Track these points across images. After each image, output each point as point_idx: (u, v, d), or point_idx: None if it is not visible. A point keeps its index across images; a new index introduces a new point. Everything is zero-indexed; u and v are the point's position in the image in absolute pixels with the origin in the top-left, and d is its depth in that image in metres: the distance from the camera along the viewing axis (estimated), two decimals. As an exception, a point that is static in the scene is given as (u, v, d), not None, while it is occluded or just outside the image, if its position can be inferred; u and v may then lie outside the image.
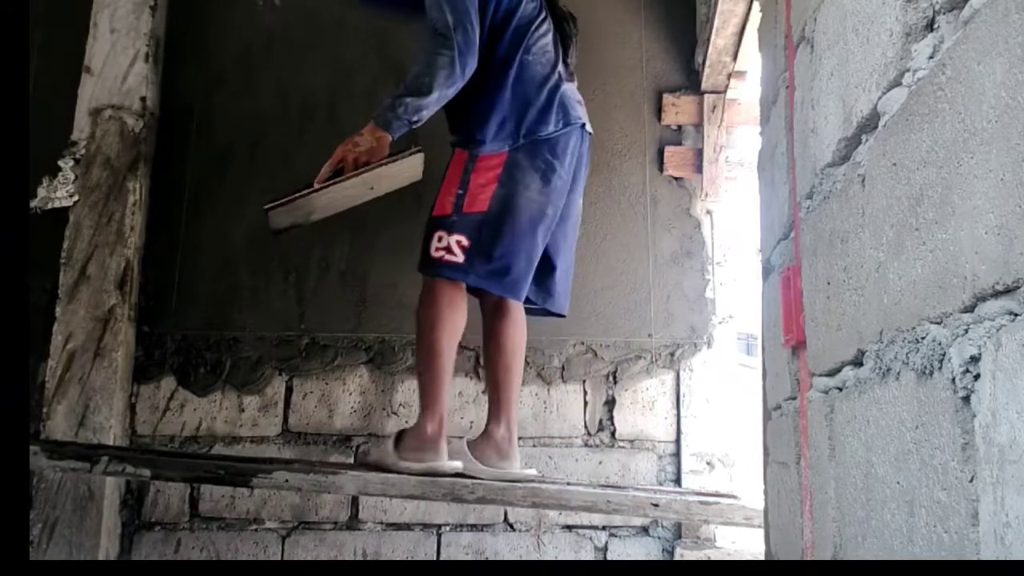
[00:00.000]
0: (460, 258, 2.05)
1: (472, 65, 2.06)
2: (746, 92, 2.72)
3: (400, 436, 2.10)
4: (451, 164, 2.14)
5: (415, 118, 2.03)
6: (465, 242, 2.06)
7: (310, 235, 2.72)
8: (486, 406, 2.64)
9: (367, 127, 2.05)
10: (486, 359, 2.27)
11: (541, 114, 2.14)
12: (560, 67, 2.23)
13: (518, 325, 2.19)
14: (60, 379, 2.46)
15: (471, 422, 2.63)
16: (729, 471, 2.59)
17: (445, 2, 2.04)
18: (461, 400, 2.66)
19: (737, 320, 2.72)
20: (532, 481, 2.14)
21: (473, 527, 2.60)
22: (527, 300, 2.20)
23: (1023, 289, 0.55)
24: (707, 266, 2.71)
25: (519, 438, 2.63)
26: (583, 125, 2.20)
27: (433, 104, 2.04)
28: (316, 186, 2.04)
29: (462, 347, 2.65)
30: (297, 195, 2.05)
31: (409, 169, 2.13)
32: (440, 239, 2.06)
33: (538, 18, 2.22)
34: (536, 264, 2.14)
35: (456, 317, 2.10)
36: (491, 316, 2.22)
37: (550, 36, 2.24)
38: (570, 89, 2.23)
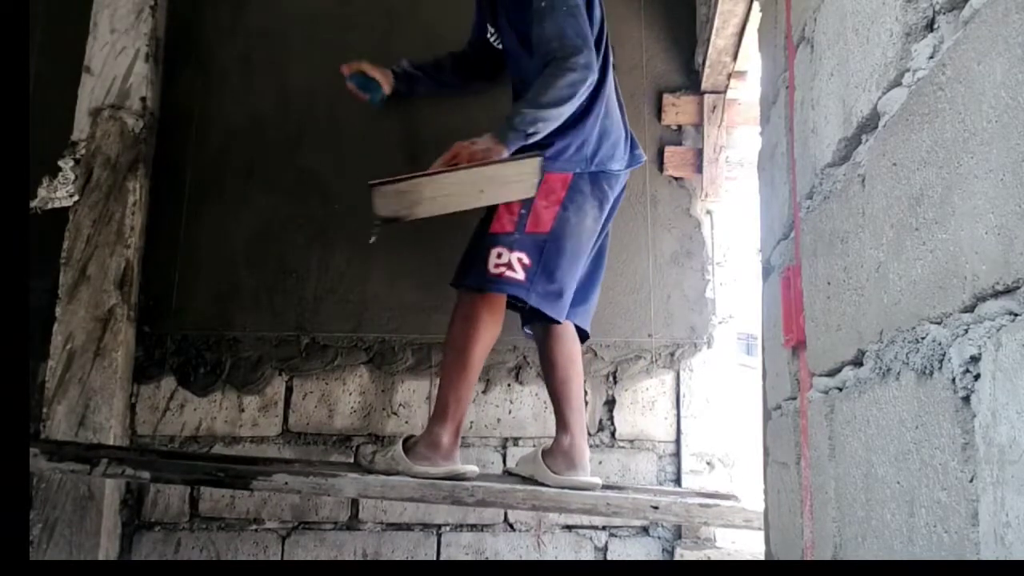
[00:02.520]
0: (521, 276, 2.06)
1: (592, 84, 2.07)
2: (746, 92, 2.71)
3: (410, 443, 2.10)
4: None
5: (531, 130, 2.01)
6: (527, 260, 2.07)
7: (310, 235, 2.72)
8: (485, 406, 2.66)
9: (485, 136, 2.03)
10: (544, 375, 2.31)
11: (615, 148, 2.19)
12: (622, 100, 2.29)
13: (566, 339, 2.22)
14: (60, 379, 2.46)
15: (471, 422, 2.63)
16: (729, 471, 2.59)
17: (566, 25, 2.03)
18: (461, 400, 2.66)
19: (737, 320, 2.72)
20: (611, 487, 2.21)
21: (473, 527, 2.60)
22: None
23: (1023, 289, 0.55)
24: (707, 266, 2.70)
25: (519, 438, 2.65)
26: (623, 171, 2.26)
27: (552, 120, 2.02)
28: (427, 172, 2.02)
29: (462, 347, 2.67)
30: (405, 177, 2.02)
31: (520, 177, 2.06)
32: (500, 255, 2.07)
33: (610, 49, 2.27)
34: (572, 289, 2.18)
35: (495, 332, 2.13)
36: (541, 336, 2.26)
37: (612, 71, 2.29)
38: (619, 128, 2.27)
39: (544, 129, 2.03)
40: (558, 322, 2.15)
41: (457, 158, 2.03)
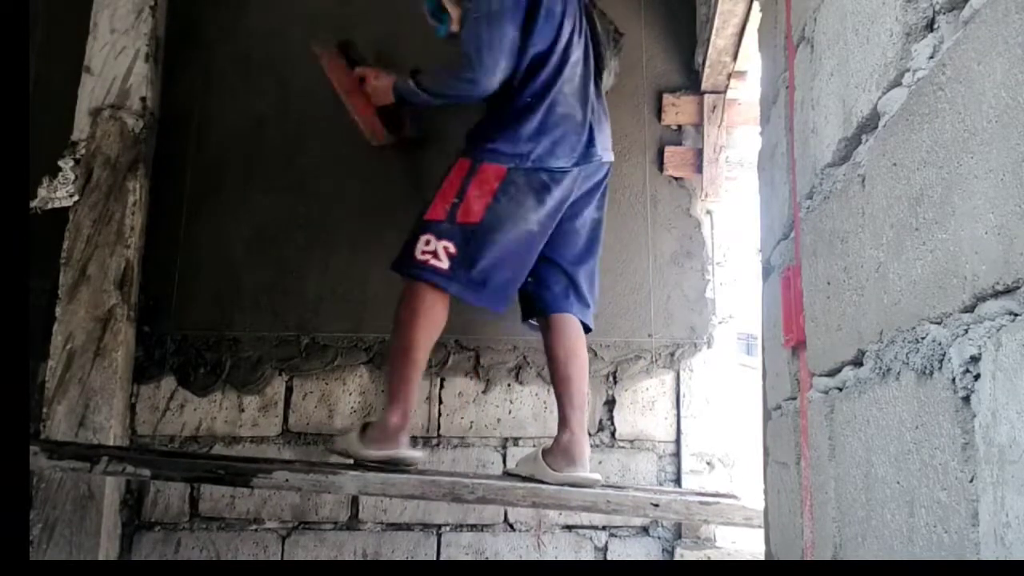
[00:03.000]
0: (445, 264, 2.11)
1: (485, 90, 2.16)
2: (746, 92, 2.71)
3: (365, 427, 2.16)
4: (452, 171, 2.19)
5: (418, 98, 2.28)
6: (452, 249, 2.11)
7: (310, 235, 2.72)
8: (485, 406, 2.66)
9: (392, 76, 2.32)
10: (549, 371, 2.34)
11: (558, 146, 2.19)
12: (591, 96, 2.27)
13: (566, 334, 2.23)
14: (60, 379, 2.46)
15: (471, 422, 2.63)
16: (729, 471, 2.59)
17: (471, 35, 2.14)
18: (461, 400, 2.66)
19: (737, 320, 2.72)
20: (611, 486, 2.24)
21: (473, 527, 2.60)
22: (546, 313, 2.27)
23: (1023, 289, 0.55)
24: (707, 266, 2.70)
25: (519, 438, 2.64)
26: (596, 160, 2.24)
27: (424, 100, 2.28)
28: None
29: (462, 347, 2.67)
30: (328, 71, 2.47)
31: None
32: (428, 242, 2.11)
33: (574, 44, 2.26)
34: (523, 279, 2.19)
35: (435, 318, 2.15)
36: (543, 332, 2.29)
37: (580, 67, 2.27)
38: (597, 123, 2.27)
39: (420, 102, 2.30)
40: (494, 310, 2.17)
41: (365, 79, 2.38)
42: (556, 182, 2.18)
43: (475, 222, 2.12)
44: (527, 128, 2.17)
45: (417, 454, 2.13)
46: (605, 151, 2.28)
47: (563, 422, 2.20)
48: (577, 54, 2.26)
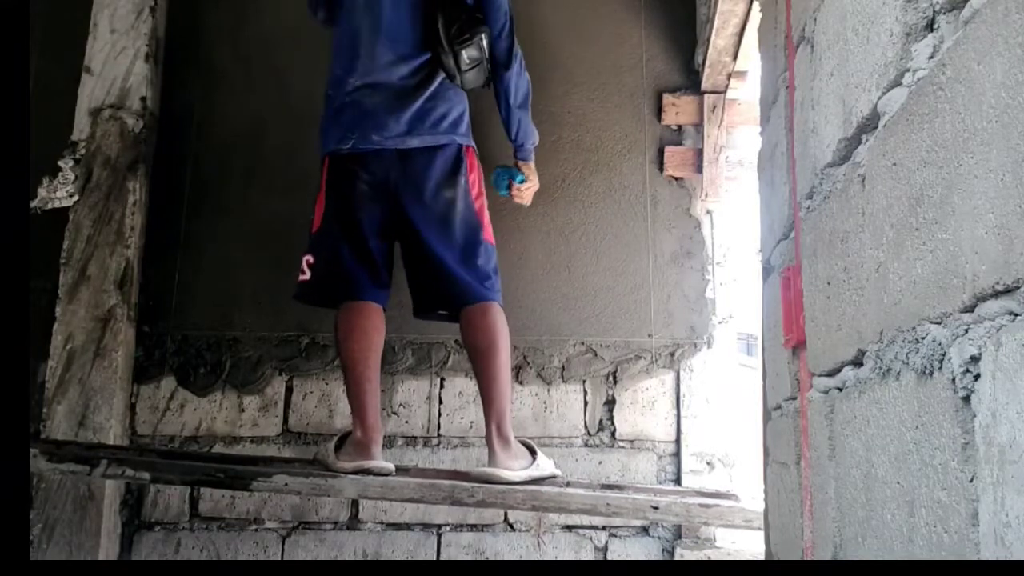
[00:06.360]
0: (307, 276, 2.18)
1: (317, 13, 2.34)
2: (746, 92, 2.71)
3: (342, 438, 2.18)
4: None
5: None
6: (312, 259, 2.18)
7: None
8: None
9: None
10: None
11: (333, 130, 2.20)
12: (374, 77, 2.18)
13: (472, 329, 2.18)
14: (60, 379, 2.46)
15: (471, 422, 2.63)
16: (729, 471, 2.59)
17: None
18: (461, 400, 2.66)
19: (737, 320, 2.72)
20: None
21: (473, 527, 2.60)
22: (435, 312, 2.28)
23: (1023, 289, 0.55)
24: (707, 266, 2.70)
25: (519, 438, 2.64)
26: (386, 150, 2.15)
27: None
28: None
29: (462, 347, 2.66)
30: None
31: None
32: (301, 264, 2.19)
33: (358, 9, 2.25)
34: (365, 266, 2.17)
35: (360, 333, 2.16)
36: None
37: (361, 36, 2.22)
38: (383, 104, 2.16)
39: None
40: (348, 301, 2.18)
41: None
42: (364, 167, 2.17)
43: (319, 226, 2.21)
44: (325, 111, 2.27)
45: (386, 464, 2.11)
46: (393, 138, 2.17)
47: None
48: (360, 22, 2.27)
